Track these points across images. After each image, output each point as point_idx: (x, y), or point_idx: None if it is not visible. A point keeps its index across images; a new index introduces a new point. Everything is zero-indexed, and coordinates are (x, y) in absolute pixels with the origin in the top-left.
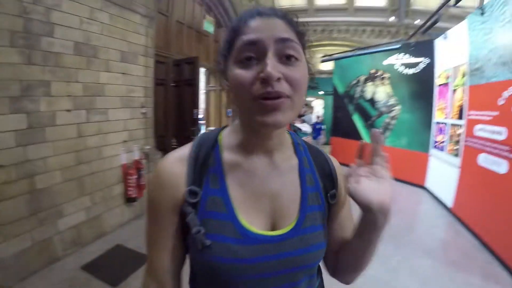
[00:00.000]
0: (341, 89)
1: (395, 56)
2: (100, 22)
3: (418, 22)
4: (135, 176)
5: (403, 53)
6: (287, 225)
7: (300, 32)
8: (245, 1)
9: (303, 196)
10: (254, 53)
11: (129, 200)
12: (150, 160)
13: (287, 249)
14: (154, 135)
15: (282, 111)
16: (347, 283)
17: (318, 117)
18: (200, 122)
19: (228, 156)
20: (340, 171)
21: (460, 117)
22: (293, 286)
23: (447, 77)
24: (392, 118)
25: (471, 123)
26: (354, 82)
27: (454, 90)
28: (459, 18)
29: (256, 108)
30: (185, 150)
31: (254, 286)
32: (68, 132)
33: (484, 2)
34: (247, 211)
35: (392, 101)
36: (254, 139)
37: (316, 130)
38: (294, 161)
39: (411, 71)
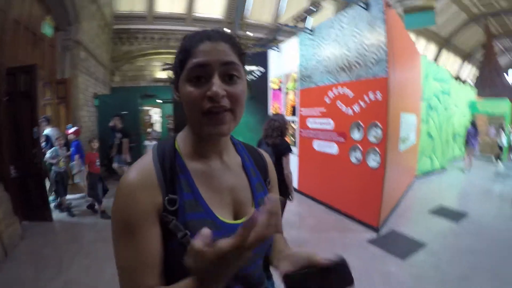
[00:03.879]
0: None
1: None
2: None
3: (251, 34)
4: None
5: None
6: (247, 210)
7: (241, 53)
8: (87, 3)
9: (252, 186)
10: (203, 74)
11: None
12: None
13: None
14: None
15: (226, 123)
16: None
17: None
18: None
19: (189, 162)
20: (270, 162)
21: (293, 114)
22: (256, 264)
23: (280, 83)
24: None
25: (303, 118)
26: None
27: (287, 93)
28: (290, 33)
29: (204, 121)
30: (146, 163)
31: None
32: None
33: (307, 24)
34: (216, 206)
35: None
36: (206, 144)
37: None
38: (238, 158)
39: (248, 78)
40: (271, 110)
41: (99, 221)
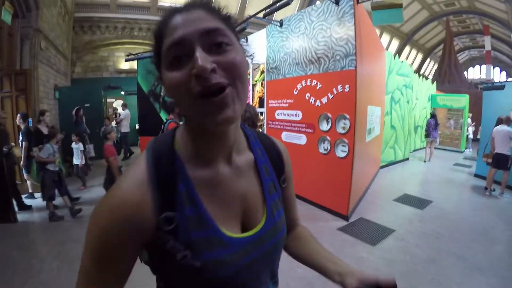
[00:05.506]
0: (145, 88)
1: None
2: None
3: None
4: None
5: None
6: (258, 219)
7: (225, 17)
8: None
9: (264, 188)
10: (182, 52)
11: None
12: None
13: (266, 241)
14: None
15: (230, 105)
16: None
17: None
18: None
19: (191, 169)
20: (285, 152)
21: (261, 106)
22: (260, 281)
23: (248, 74)
24: None
25: (271, 110)
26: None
27: (254, 85)
28: (257, 25)
29: (201, 109)
30: (139, 171)
31: (246, 282)
32: None
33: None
34: (222, 219)
35: None
36: (211, 143)
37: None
38: (250, 156)
39: None
40: None
41: (65, 222)
